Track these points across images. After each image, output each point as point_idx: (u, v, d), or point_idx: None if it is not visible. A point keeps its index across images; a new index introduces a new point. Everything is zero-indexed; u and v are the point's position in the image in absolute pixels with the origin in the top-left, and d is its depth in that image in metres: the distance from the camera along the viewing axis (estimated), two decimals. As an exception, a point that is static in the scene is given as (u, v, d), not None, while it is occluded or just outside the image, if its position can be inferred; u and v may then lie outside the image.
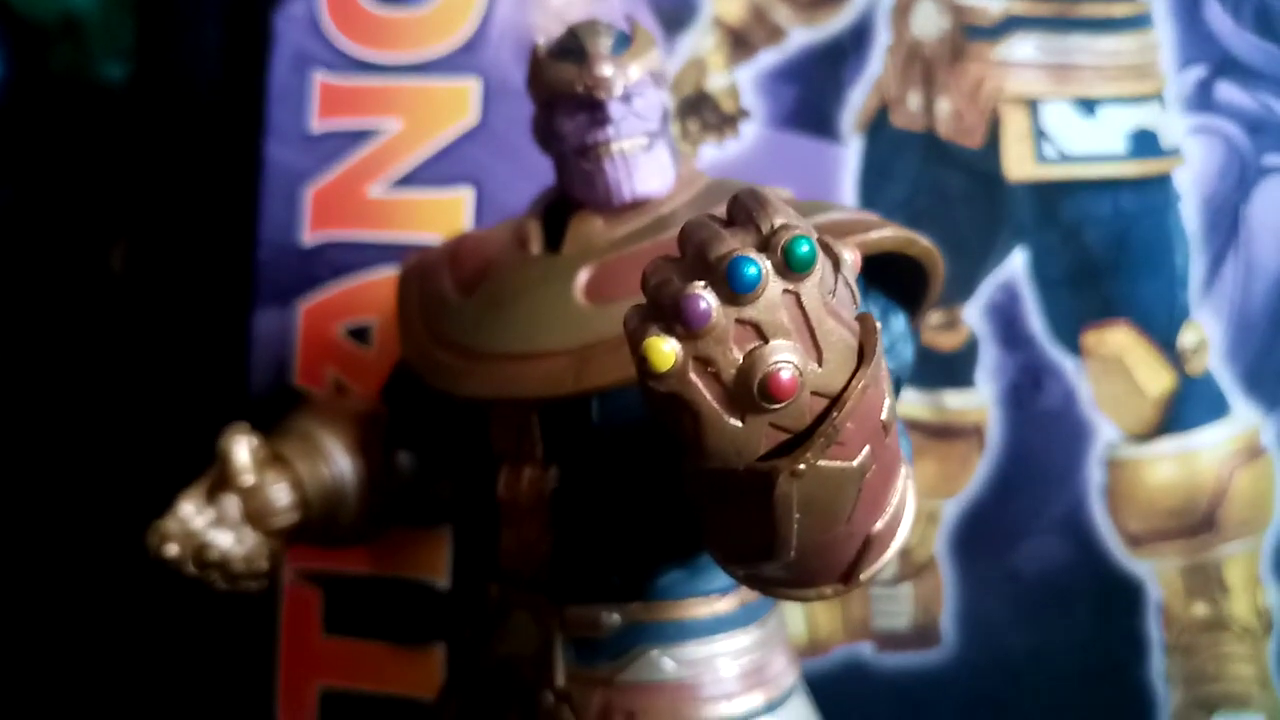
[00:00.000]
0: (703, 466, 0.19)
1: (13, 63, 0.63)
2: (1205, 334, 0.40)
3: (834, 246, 0.19)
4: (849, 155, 0.41)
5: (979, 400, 0.40)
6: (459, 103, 0.42)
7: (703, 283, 0.18)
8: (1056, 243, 0.40)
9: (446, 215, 0.42)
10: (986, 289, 0.40)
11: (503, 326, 0.30)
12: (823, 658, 0.40)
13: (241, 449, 0.31)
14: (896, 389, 0.28)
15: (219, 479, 0.32)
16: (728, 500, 0.20)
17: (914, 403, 0.40)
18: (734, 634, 0.29)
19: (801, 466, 0.19)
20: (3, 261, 0.59)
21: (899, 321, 0.29)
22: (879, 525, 0.21)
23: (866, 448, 0.19)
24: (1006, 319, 0.40)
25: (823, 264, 0.18)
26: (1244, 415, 0.40)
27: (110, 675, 0.47)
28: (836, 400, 0.19)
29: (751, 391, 0.18)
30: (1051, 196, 0.40)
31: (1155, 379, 0.40)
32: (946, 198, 0.40)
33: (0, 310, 0.57)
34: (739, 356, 0.18)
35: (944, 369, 0.40)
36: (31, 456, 0.53)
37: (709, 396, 0.18)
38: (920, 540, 0.40)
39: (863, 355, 0.19)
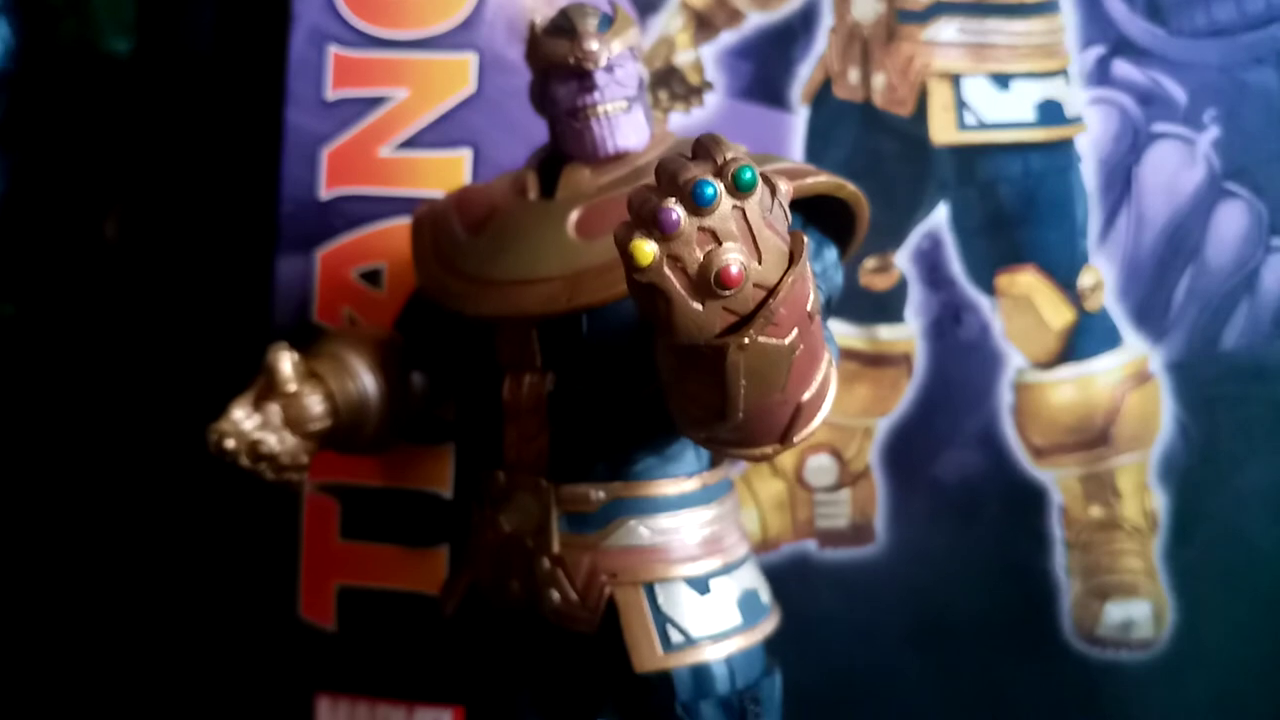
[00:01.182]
0: (674, 343, 0.25)
1: (23, 35, 0.67)
2: (1101, 276, 0.46)
3: (772, 178, 0.25)
4: (798, 122, 0.46)
5: (908, 333, 0.46)
6: (459, 74, 0.47)
7: (673, 199, 0.23)
8: (974, 198, 0.46)
9: (448, 173, 0.47)
10: (914, 238, 0.46)
11: (507, 258, 0.35)
12: (774, 553, 0.47)
13: (285, 362, 0.37)
14: (828, 306, 0.35)
15: (264, 389, 0.37)
16: (692, 371, 0.26)
17: (852, 335, 0.46)
18: (697, 509, 0.35)
19: (746, 341, 0.25)
20: (15, 222, 0.63)
21: (831, 253, 0.35)
22: (807, 395, 0.27)
23: (796, 330, 0.25)
24: (931, 263, 0.46)
25: (762, 189, 0.24)
26: (1134, 346, 0.46)
27: (155, 578, 0.52)
28: (772, 291, 0.25)
29: (709, 281, 0.24)
30: (970, 158, 0.46)
31: (1058, 314, 0.46)
32: (881, 159, 0.46)
33: (18, 272, 0.61)
34: (700, 255, 0.24)
35: (878, 306, 0.46)
36: (81, 380, 0.58)
37: (678, 285, 0.24)
38: (857, 452, 0.47)
39: (793, 259, 0.25)
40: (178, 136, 0.62)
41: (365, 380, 0.39)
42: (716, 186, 0.23)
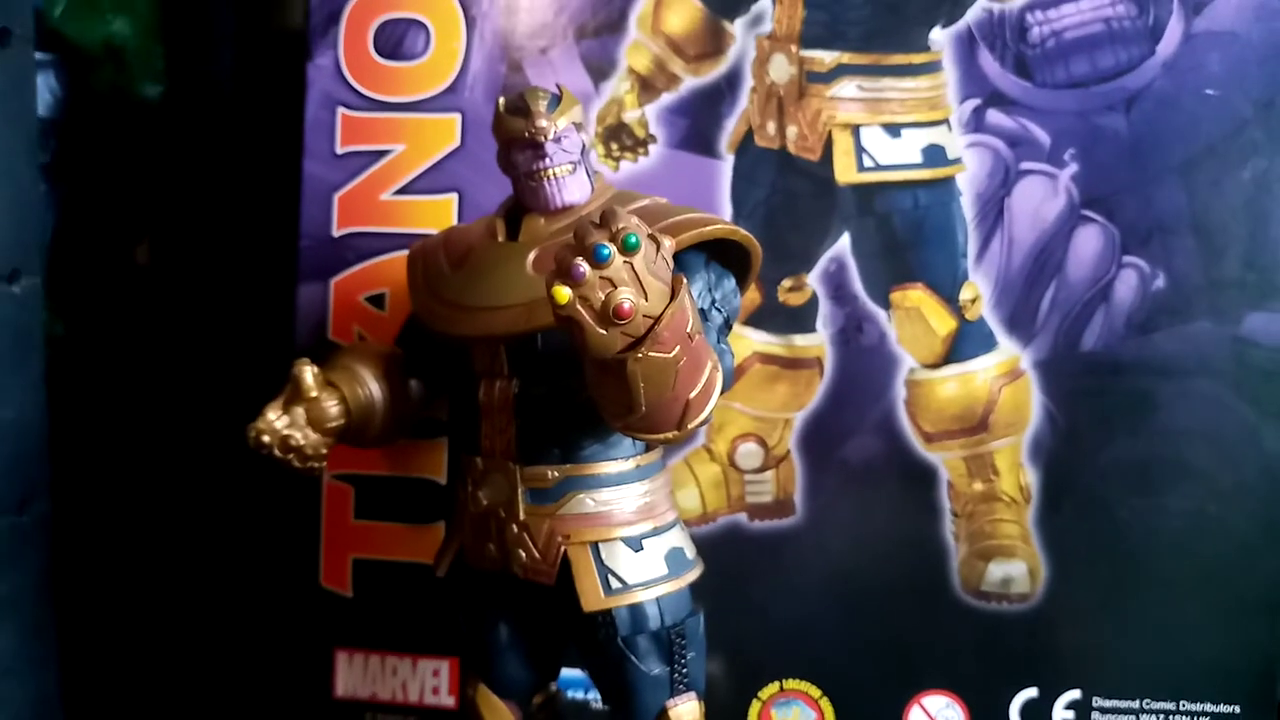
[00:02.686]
0: (590, 358, 0.34)
1: (66, 84, 0.76)
2: (979, 290, 0.54)
3: (657, 237, 0.34)
4: (725, 167, 0.55)
5: (819, 340, 0.55)
6: (447, 131, 0.57)
7: (580, 258, 0.33)
8: (872, 227, 0.54)
9: (438, 214, 0.56)
10: (823, 261, 0.55)
11: (480, 288, 0.45)
12: (711, 525, 0.56)
13: (308, 374, 0.46)
14: (728, 324, 0.44)
15: (291, 395, 0.46)
16: (605, 378, 0.35)
17: (772, 342, 0.55)
18: (633, 484, 0.45)
19: (640, 356, 0.34)
20: (63, 249, 0.72)
21: (730, 283, 0.44)
22: (693, 394, 0.37)
23: (678, 347, 0.35)
24: (837, 282, 0.55)
25: (647, 246, 0.33)
26: (1007, 348, 0.54)
27: (198, 556, 0.61)
28: (657, 320, 0.34)
29: (609, 314, 0.33)
30: (868, 194, 0.54)
31: (942, 323, 0.55)
32: (794, 196, 0.55)
33: (67, 294, 0.70)
34: (602, 296, 0.33)
35: (793, 319, 0.55)
36: (126, 389, 0.66)
37: (588, 318, 0.33)
38: (779, 440, 0.56)
39: (673, 296, 0.34)
40: (204, 172, 0.71)
41: (372, 387, 0.49)
42: (610, 249, 0.32)
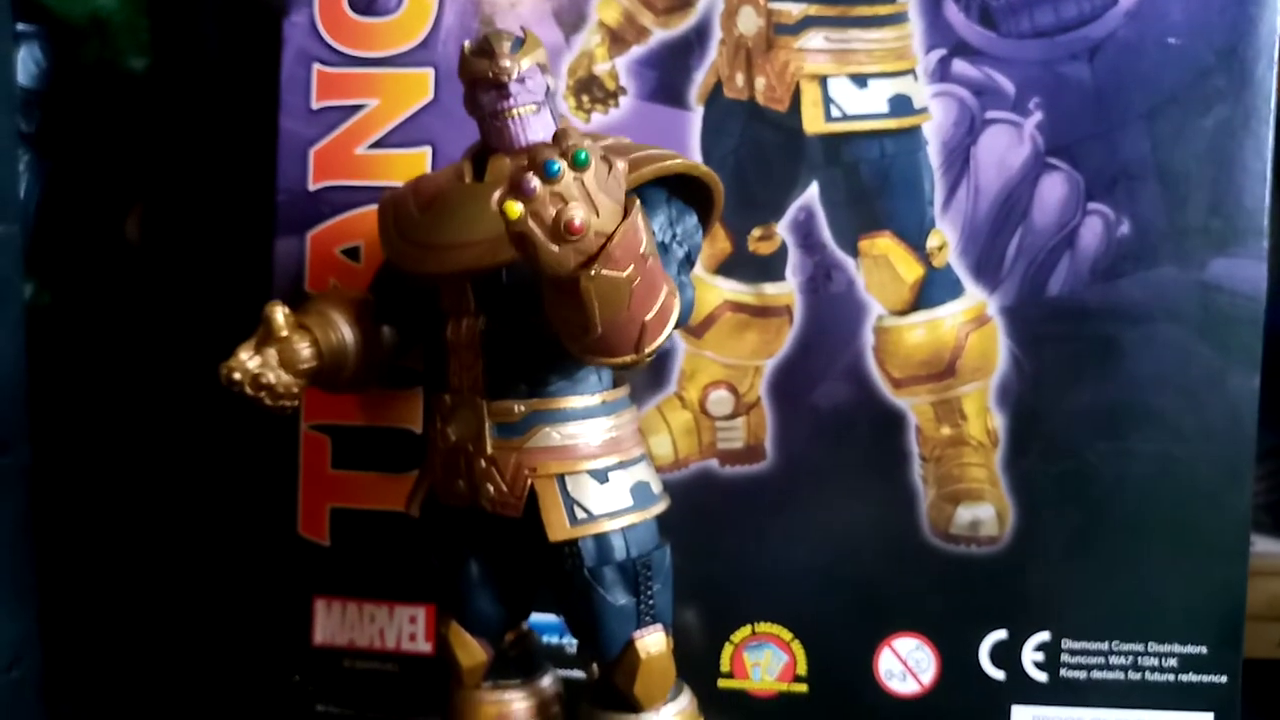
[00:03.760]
0: (546, 276, 0.35)
1: (52, 57, 0.76)
2: (945, 238, 0.55)
3: (610, 158, 0.34)
4: (695, 119, 0.56)
5: (788, 288, 0.56)
6: (420, 86, 0.57)
7: (531, 173, 0.33)
8: (840, 177, 0.55)
9: (412, 167, 0.57)
10: (792, 211, 0.55)
11: (448, 228, 0.45)
12: (683, 470, 0.56)
13: (278, 313, 0.46)
14: (689, 260, 0.45)
15: (263, 336, 0.47)
16: (561, 298, 0.36)
17: (742, 291, 0.56)
18: (599, 419, 0.45)
19: (593, 273, 0.35)
20: (50, 219, 0.73)
21: (691, 219, 0.45)
22: (649, 316, 0.37)
23: (632, 266, 0.35)
24: (806, 231, 0.56)
25: (598, 165, 0.34)
26: (974, 295, 0.55)
27: (178, 506, 0.62)
28: (609, 238, 0.34)
29: (560, 230, 0.34)
30: (836, 144, 0.55)
31: (910, 271, 0.56)
32: (763, 147, 0.55)
33: (54, 264, 0.71)
34: (553, 211, 0.34)
35: (763, 267, 0.56)
36: (110, 348, 0.67)
37: (540, 234, 0.34)
38: (749, 387, 0.56)
39: (626, 215, 0.35)
40: (188, 139, 0.72)
41: (345, 331, 0.49)
42: (560, 164, 0.33)
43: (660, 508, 0.46)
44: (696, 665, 0.54)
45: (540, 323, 0.43)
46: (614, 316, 0.36)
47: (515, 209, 0.33)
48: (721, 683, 0.56)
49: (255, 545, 0.59)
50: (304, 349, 0.47)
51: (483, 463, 0.45)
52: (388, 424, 0.57)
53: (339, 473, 0.58)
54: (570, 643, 0.57)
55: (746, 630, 0.56)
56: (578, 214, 0.33)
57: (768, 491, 0.56)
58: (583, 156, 0.33)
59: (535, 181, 0.33)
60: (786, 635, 0.56)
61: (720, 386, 0.56)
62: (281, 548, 0.58)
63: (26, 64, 0.73)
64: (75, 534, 0.62)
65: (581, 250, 0.34)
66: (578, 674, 0.55)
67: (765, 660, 0.57)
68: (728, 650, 0.57)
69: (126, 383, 0.67)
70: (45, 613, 0.54)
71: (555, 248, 0.34)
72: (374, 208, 0.56)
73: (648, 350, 0.38)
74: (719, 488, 0.56)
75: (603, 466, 0.45)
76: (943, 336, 0.55)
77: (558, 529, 0.44)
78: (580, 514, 0.44)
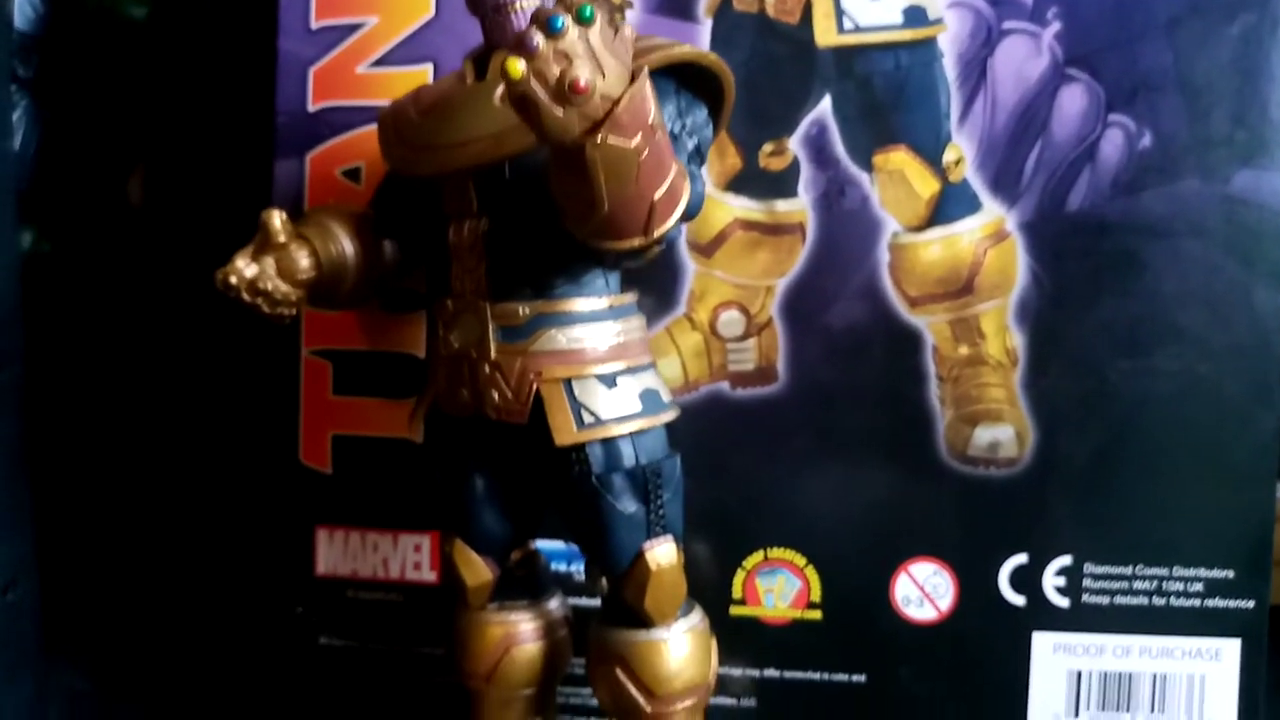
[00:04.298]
0: (550, 143, 0.34)
1: (51, 3, 0.75)
2: (962, 152, 0.54)
3: (617, 22, 0.33)
4: (703, 32, 0.54)
5: (800, 205, 0.54)
6: (420, 2, 0.56)
7: (534, 28, 0.32)
8: (853, 90, 0.54)
9: (413, 86, 0.56)
10: (804, 125, 0.54)
11: (449, 127, 0.44)
12: (693, 394, 0.55)
13: (276, 218, 0.45)
14: (699, 155, 0.43)
15: (261, 243, 0.46)
16: (566, 172, 0.35)
17: (753, 209, 0.54)
18: (606, 323, 0.44)
19: (599, 139, 0.33)
20: (50, 168, 0.72)
21: (701, 113, 0.43)
22: (658, 195, 0.36)
23: (640, 135, 0.34)
24: (818, 146, 0.54)
25: (604, 25, 0.32)
26: (992, 210, 0.54)
27: (178, 436, 0.61)
28: (616, 103, 0.33)
29: (564, 90, 0.32)
30: (849, 57, 0.54)
31: (926, 186, 0.54)
32: (774, 60, 0.54)
33: (54, 213, 0.70)
34: (557, 70, 0.32)
35: (775, 184, 0.54)
36: (110, 282, 0.66)
37: (543, 95, 0.32)
38: (761, 307, 0.55)
39: (634, 79, 0.33)
40: (190, 96, 0.70)
41: (344, 243, 0.48)
42: (564, 19, 0.32)
43: (669, 415, 0.45)
44: (707, 592, 0.52)
45: (545, 222, 0.42)
46: (621, 191, 0.35)
47: (517, 67, 0.32)
48: (733, 610, 0.55)
49: (255, 474, 0.58)
50: (302, 259, 0.46)
51: (487, 369, 0.44)
52: (390, 348, 0.56)
53: (341, 399, 0.57)
54: (578, 569, 0.56)
55: (759, 556, 0.55)
56: (583, 72, 0.32)
57: (780, 414, 0.54)
58: (588, 12, 0.32)
59: (539, 37, 0.32)
60: (800, 561, 0.55)
61: (731, 307, 0.55)
62: (282, 476, 0.57)
63: (24, 8, 0.72)
64: (75, 463, 0.61)
65: (587, 115, 0.33)
66: (586, 602, 0.54)
67: (778, 586, 0.55)
68: (739, 577, 0.55)
69: (126, 315, 0.66)
70: (43, 538, 0.53)
71: (559, 111, 0.33)
72: (375, 127, 0.55)
73: (657, 232, 0.37)
74: (730, 411, 0.55)
75: (610, 371, 0.44)
76: (960, 253, 0.54)
77: (564, 433, 0.43)
78: (588, 418, 0.43)
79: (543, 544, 0.53)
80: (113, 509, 0.64)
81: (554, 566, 0.55)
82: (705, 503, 0.52)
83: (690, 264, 0.55)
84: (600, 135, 0.33)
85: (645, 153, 0.34)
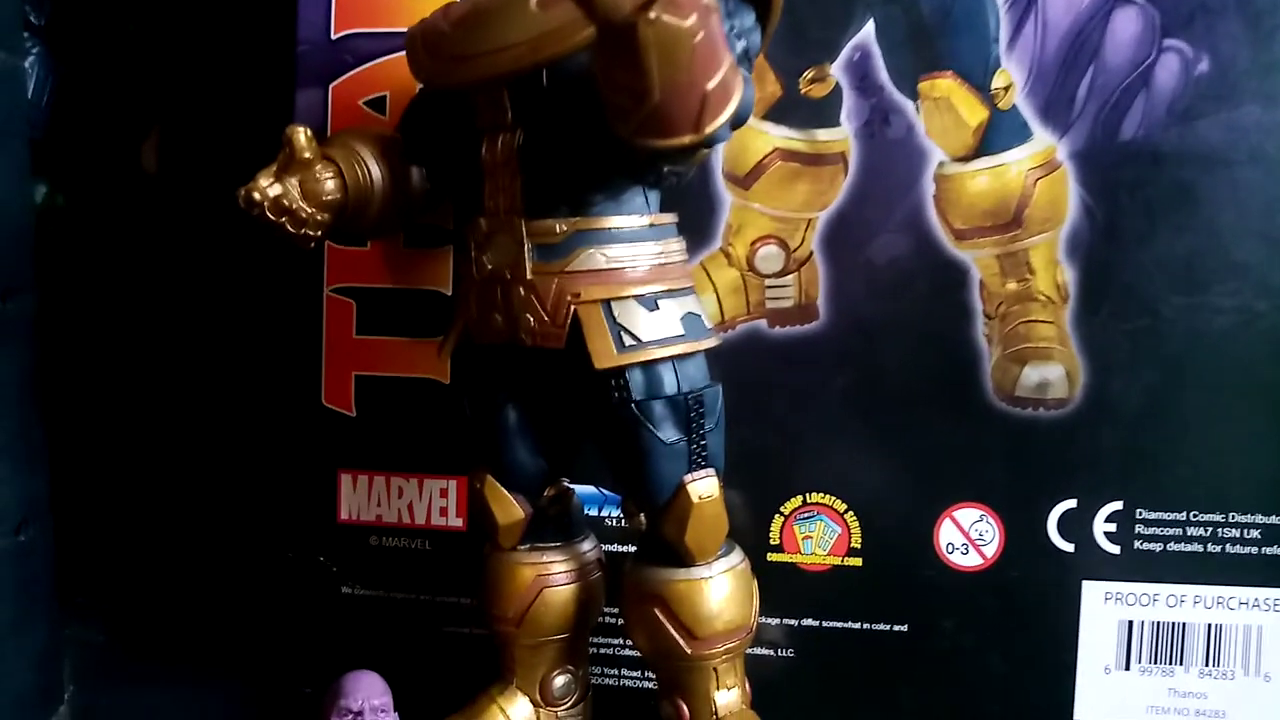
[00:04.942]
0: (600, 23, 0.32)
1: None
2: (1011, 78, 0.52)
3: None
4: None
5: (843, 134, 0.52)
6: None
7: None
8: (898, 14, 0.51)
9: (439, 6, 0.54)
10: (846, 51, 0.52)
11: (482, 36, 0.42)
12: (729, 333, 0.53)
13: (301, 134, 0.43)
14: (747, 58, 0.41)
15: (285, 162, 0.44)
16: (615, 58, 0.33)
17: (793, 138, 0.52)
18: (646, 243, 0.42)
19: (652, 15, 0.31)
20: (64, 120, 0.70)
21: (749, 18, 0.41)
22: (711, 85, 0.34)
23: (695, 15, 0.32)
24: (861, 72, 0.52)
25: None
26: (1042, 138, 0.52)
27: (198, 379, 0.59)
28: None
29: None
30: None
31: (973, 114, 0.52)
32: None
33: (69, 166, 0.68)
34: None
35: (816, 112, 0.52)
36: (129, 223, 0.65)
37: None
38: (801, 241, 0.53)
39: None
40: (207, 54, 0.68)
41: (371, 166, 0.46)
42: None
43: (712, 342, 0.43)
44: (744, 539, 0.50)
45: (583, 134, 0.40)
46: (673, 77, 0.33)
47: None
48: (771, 556, 0.53)
49: (276, 417, 0.56)
50: (328, 181, 0.44)
51: (521, 290, 0.42)
52: (416, 286, 0.54)
53: (364, 338, 0.55)
54: (611, 514, 0.54)
55: (797, 501, 0.53)
56: None
57: (820, 353, 0.52)
58: None
59: None
60: (840, 506, 0.53)
61: (769, 241, 0.53)
62: (304, 419, 0.55)
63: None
64: (93, 409, 0.60)
65: None
66: (619, 548, 0.52)
67: (817, 533, 0.53)
68: (777, 522, 0.53)
69: (146, 259, 0.64)
70: (59, 485, 0.52)
71: None
72: (401, 55, 0.53)
73: (709, 128, 0.35)
74: (768, 350, 0.53)
75: (651, 293, 0.42)
76: (1008, 184, 0.52)
77: (604, 356, 0.41)
78: (628, 340, 0.41)
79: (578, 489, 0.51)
80: (130, 456, 0.62)
81: (587, 509, 0.53)
82: (742, 446, 0.50)
83: (727, 196, 0.53)
84: (654, 11, 0.31)
85: (700, 35, 0.32)
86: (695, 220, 0.52)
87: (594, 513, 0.54)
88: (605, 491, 0.53)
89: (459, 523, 0.55)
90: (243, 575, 0.58)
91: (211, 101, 0.69)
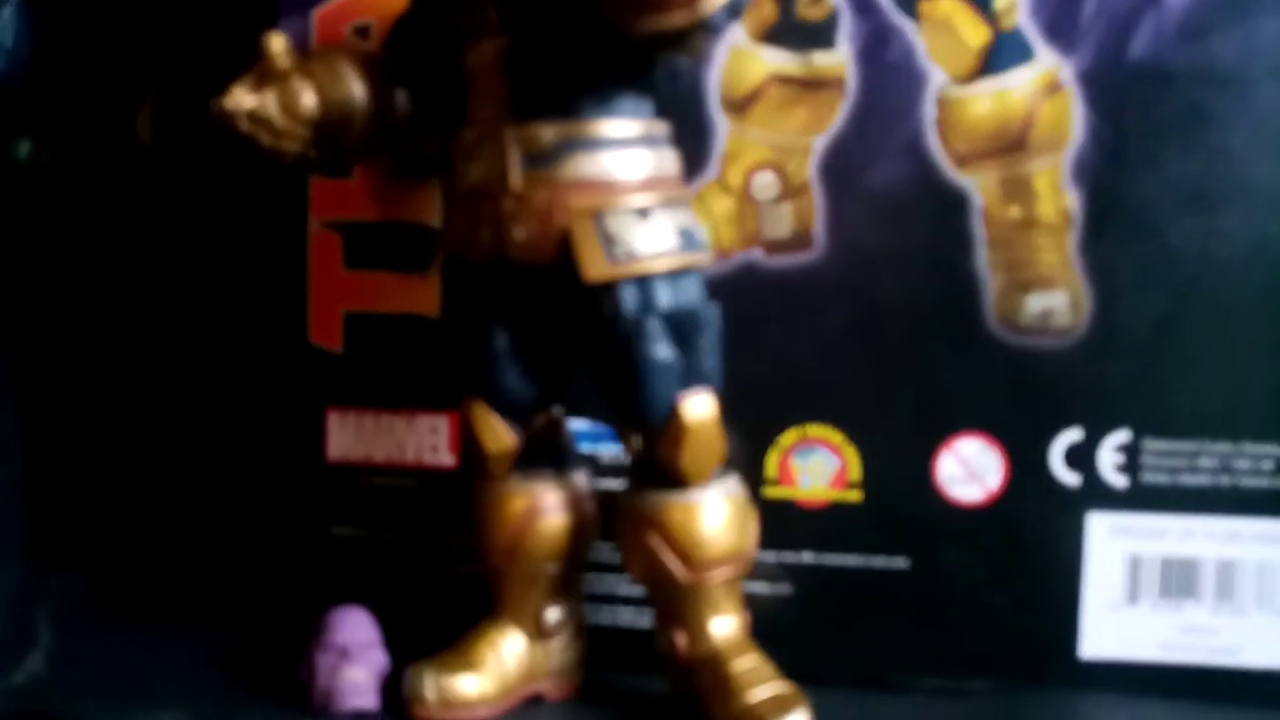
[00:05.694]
0: None
1: None
2: (1014, -3, 0.51)
3: None
4: None
5: (840, 57, 0.51)
6: None
7: None
8: (898, -70, 0.51)
9: None
10: (844, -31, 0.51)
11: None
12: (724, 263, 0.52)
13: (276, 42, 0.42)
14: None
15: (261, 72, 0.43)
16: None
17: (790, 62, 0.51)
18: (638, 151, 0.41)
19: None
20: (46, 70, 0.69)
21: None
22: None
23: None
24: (859, -9, 0.51)
25: None
26: (1046, 59, 0.50)
27: (179, 306, 0.58)
28: None
29: None
30: None
31: (975, 34, 0.50)
32: None
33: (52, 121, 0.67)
34: None
35: (812, 34, 0.50)
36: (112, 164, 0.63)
37: None
38: (797, 168, 0.51)
39: None
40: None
41: (352, 84, 0.45)
42: None
43: (707, 257, 0.42)
44: (739, 473, 0.50)
45: (571, 35, 0.38)
46: None
47: None
48: (766, 491, 0.52)
49: (261, 355, 0.55)
50: (307, 95, 0.43)
51: (509, 202, 0.41)
52: (404, 218, 0.53)
53: (352, 273, 0.53)
54: (607, 447, 0.52)
55: (794, 433, 0.52)
56: None
57: (817, 282, 0.51)
58: None
59: None
60: (838, 438, 0.52)
61: (765, 168, 0.51)
62: (291, 356, 0.54)
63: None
64: (69, 349, 0.58)
65: None
66: (616, 484, 0.51)
67: (815, 466, 0.52)
68: (773, 456, 0.52)
69: (129, 205, 0.63)
70: (38, 430, 0.50)
71: None
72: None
73: (703, 3, 0.33)
74: (764, 279, 0.51)
75: (644, 204, 0.40)
76: (1012, 106, 0.50)
77: (595, 267, 0.39)
78: (620, 252, 0.39)
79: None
80: (112, 396, 0.61)
81: (580, 446, 0.52)
82: (737, 377, 0.48)
83: (722, 122, 0.51)
84: None
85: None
86: (690, 148, 0.51)
87: (588, 447, 0.53)
88: (600, 426, 0.52)
89: (450, 460, 0.53)
90: (229, 519, 0.57)
91: (207, 69, 0.68)
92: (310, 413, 0.54)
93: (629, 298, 0.40)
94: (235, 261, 0.56)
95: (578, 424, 0.51)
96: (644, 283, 0.40)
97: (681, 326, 0.40)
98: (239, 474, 0.56)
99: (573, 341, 0.43)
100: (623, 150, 0.40)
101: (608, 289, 0.40)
